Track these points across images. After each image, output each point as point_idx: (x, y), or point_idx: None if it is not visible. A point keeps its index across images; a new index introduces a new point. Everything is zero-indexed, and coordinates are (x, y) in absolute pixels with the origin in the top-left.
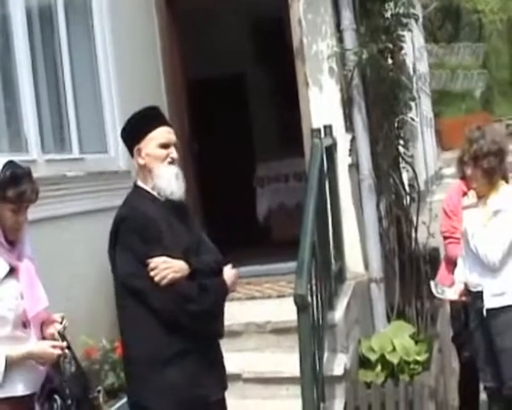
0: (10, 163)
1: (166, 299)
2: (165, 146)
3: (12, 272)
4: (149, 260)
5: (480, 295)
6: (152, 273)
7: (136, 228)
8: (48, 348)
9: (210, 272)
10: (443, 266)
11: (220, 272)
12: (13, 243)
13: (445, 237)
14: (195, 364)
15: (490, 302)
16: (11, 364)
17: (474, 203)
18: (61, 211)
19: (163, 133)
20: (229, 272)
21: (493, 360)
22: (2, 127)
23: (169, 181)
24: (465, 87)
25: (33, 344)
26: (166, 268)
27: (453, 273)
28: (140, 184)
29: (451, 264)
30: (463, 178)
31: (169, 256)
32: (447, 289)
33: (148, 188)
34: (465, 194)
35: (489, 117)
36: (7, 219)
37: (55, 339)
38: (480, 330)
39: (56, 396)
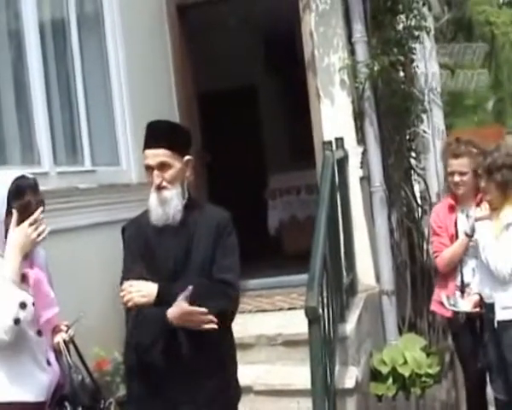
0: (19, 177)
1: (127, 318)
2: (148, 169)
3: (23, 280)
4: (123, 281)
5: (492, 306)
6: (121, 294)
7: (129, 242)
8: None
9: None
10: (438, 283)
11: (218, 297)
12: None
13: (434, 252)
14: (143, 388)
15: (500, 315)
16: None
17: (487, 215)
18: (73, 223)
19: (145, 157)
20: (173, 309)
21: (504, 372)
22: (15, 140)
23: (149, 208)
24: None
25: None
26: (132, 292)
27: (453, 285)
28: None
29: (447, 276)
30: (452, 194)
31: (153, 276)
32: (460, 301)
33: None
34: (452, 209)
35: (501, 129)
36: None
37: (60, 348)
38: (493, 341)
39: (67, 403)
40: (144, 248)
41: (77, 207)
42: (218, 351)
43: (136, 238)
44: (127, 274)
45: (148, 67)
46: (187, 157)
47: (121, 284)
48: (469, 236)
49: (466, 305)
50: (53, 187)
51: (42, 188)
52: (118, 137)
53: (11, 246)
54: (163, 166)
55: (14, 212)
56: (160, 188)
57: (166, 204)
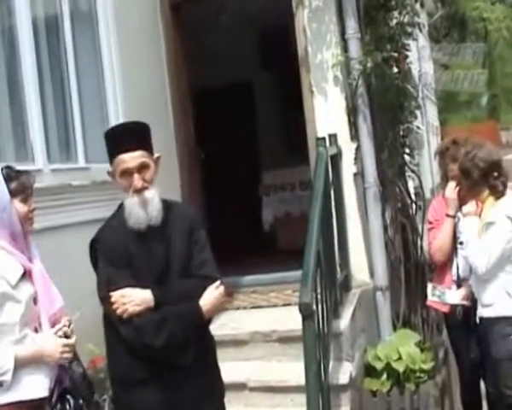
0: (3, 167)
1: (126, 329)
2: (126, 174)
3: (25, 274)
4: (111, 294)
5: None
6: (113, 307)
7: (107, 252)
8: (56, 345)
9: (179, 299)
10: (435, 278)
11: (201, 294)
12: (26, 243)
13: (430, 243)
14: (157, 393)
15: (481, 312)
16: (20, 363)
17: (474, 212)
18: (67, 220)
19: (120, 162)
20: (207, 296)
21: (491, 366)
22: (9, 137)
23: (130, 212)
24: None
25: (41, 342)
26: (126, 303)
27: (449, 279)
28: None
29: (444, 269)
30: None
31: (139, 282)
32: (448, 292)
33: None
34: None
35: (495, 125)
36: (20, 210)
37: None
38: (477, 338)
39: (69, 396)
40: (125, 255)
41: (70, 205)
42: (214, 347)
43: (115, 246)
44: (113, 285)
45: (141, 64)
46: (156, 155)
47: (103, 297)
48: (451, 216)
49: (453, 297)
50: (46, 184)
51: (36, 185)
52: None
53: (33, 349)
54: (142, 168)
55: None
56: (140, 190)
57: (148, 205)
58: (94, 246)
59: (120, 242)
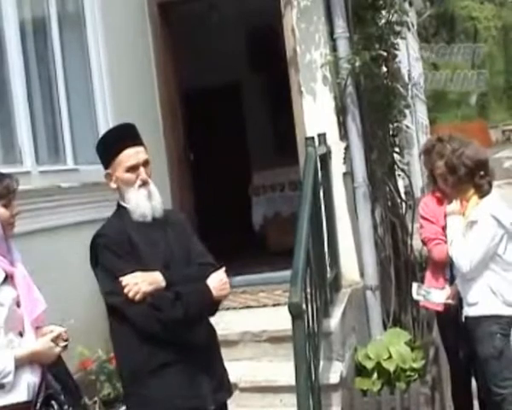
0: None
1: (140, 311)
2: (133, 168)
3: (6, 278)
4: (121, 279)
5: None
6: (125, 290)
7: (111, 244)
8: (51, 344)
9: (186, 281)
10: (429, 275)
11: (205, 279)
12: (7, 247)
13: (432, 239)
14: (180, 375)
15: (467, 311)
16: (17, 365)
17: (457, 211)
18: (56, 222)
19: (129, 156)
20: (214, 277)
21: (480, 366)
22: None
23: (137, 205)
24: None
25: (36, 343)
26: (138, 283)
27: (443, 278)
28: (121, 202)
29: (440, 268)
30: (438, 188)
31: (146, 270)
32: (433, 292)
33: (126, 205)
34: (440, 202)
35: (484, 123)
36: (2, 215)
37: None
38: (468, 336)
39: (53, 402)
40: (129, 246)
41: (59, 206)
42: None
43: (118, 238)
44: (119, 273)
45: (130, 65)
46: None
47: (109, 290)
48: None
49: (439, 296)
50: (35, 186)
51: (24, 187)
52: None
53: (30, 350)
54: (145, 163)
55: None
56: (146, 183)
57: (153, 198)
58: (96, 242)
59: (123, 233)
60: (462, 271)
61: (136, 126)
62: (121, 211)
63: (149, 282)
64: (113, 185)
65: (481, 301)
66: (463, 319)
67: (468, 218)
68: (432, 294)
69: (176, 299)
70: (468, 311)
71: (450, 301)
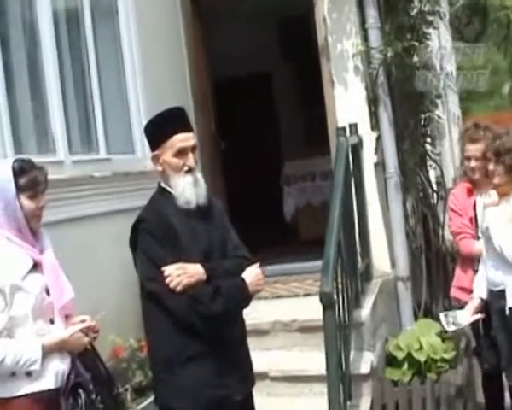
0: (17, 159)
1: (180, 302)
2: (181, 153)
3: (36, 266)
4: (163, 268)
5: (502, 293)
6: (167, 280)
7: (153, 230)
8: (80, 334)
9: (226, 275)
10: (458, 268)
11: (241, 273)
12: (35, 237)
13: (458, 233)
14: (212, 366)
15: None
16: (47, 352)
17: (496, 202)
18: (88, 211)
19: (178, 141)
20: (250, 272)
21: None
22: (30, 128)
23: (183, 191)
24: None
25: (65, 331)
26: (180, 275)
27: (472, 270)
28: (163, 185)
29: (469, 261)
30: (470, 180)
31: (186, 259)
32: (459, 314)
33: (170, 189)
34: (470, 192)
35: None
36: (27, 207)
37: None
38: (504, 330)
39: (81, 391)
40: (171, 233)
41: (92, 196)
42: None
43: (161, 225)
44: (161, 262)
45: (162, 55)
46: None
47: (150, 276)
48: None
49: (465, 317)
50: (68, 175)
51: (57, 176)
52: (132, 126)
53: (58, 339)
54: (194, 149)
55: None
56: (193, 169)
57: (198, 185)
58: (137, 227)
59: (166, 221)
60: (508, 260)
61: (186, 111)
62: (165, 195)
63: (191, 274)
64: (159, 168)
65: None
66: (507, 311)
67: None
68: (458, 316)
69: (216, 293)
70: None
71: (478, 317)
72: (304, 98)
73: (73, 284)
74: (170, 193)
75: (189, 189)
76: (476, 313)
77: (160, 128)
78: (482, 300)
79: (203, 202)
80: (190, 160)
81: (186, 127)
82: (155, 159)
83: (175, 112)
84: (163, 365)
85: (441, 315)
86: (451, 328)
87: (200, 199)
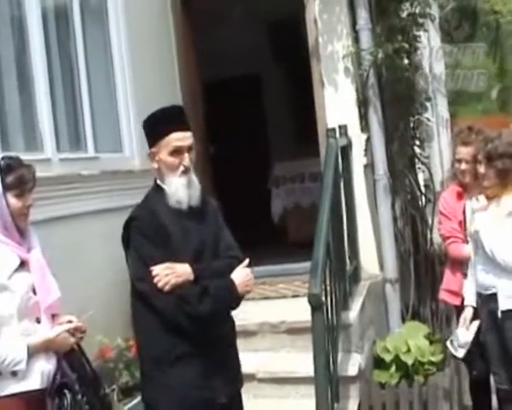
0: (4, 157)
1: (168, 302)
2: (177, 152)
3: (22, 265)
4: (152, 268)
5: (493, 297)
6: (155, 280)
7: (144, 229)
8: (66, 334)
9: (215, 275)
10: (447, 271)
11: (231, 273)
12: (22, 235)
13: (447, 237)
14: (199, 367)
15: (504, 304)
16: (32, 352)
17: (485, 206)
18: (76, 210)
19: (174, 140)
20: (239, 272)
21: (507, 362)
22: (18, 126)
23: (175, 191)
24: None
25: (50, 331)
26: (168, 274)
27: (461, 274)
28: (158, 182)
29: (458, 264)
30: (459, 182)
31: (177, 259)
32: (460, 334)
33: (164, 187)
34: (460, 196)
35: (506, 119)
36: (13, 205)
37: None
38: (494, 332)
39: (66, 391)
40: (163, 233)
41: (80, 194)
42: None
43: (153, 224)
44: (151, 261)
45: (151, 55)
46: None
47: (140, 275)
48: None
49: (465, 333)
50: (55, 173)
51: (44, 174)
52: (121, 124)
53: (44, 338)
54: (190, 149)
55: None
56: (188, 170)
57: (193, 186)
58: (129, 224)
59: (158, 220)
60: (508, 265)
61: (184, 110)
62: (159, 192)
63: (179, 274)
64: (155, 165)
65: None
66: (499, 314)
67: (507, 208)
68: (459, 337)
69: (203, 294)
70: (507, 303)
71: (477, 324)
72: (294, 99)
73: (61, 283)
74: (164, 191)
75: (182, 190)
76: (471, 321)
77: (157, 125)
78: (474, 308)
79: (196, 203)
80: (186, 159)
81: (183, 126)
82: (151, 156)
83: (173, 110)
84: (152, 363)
85: (448, 344)
86: (461, 352)
87: (193, 200)
